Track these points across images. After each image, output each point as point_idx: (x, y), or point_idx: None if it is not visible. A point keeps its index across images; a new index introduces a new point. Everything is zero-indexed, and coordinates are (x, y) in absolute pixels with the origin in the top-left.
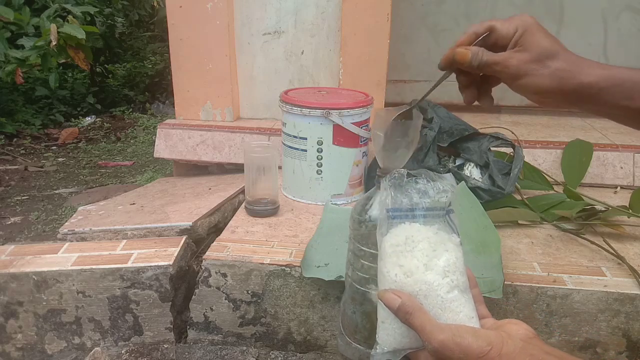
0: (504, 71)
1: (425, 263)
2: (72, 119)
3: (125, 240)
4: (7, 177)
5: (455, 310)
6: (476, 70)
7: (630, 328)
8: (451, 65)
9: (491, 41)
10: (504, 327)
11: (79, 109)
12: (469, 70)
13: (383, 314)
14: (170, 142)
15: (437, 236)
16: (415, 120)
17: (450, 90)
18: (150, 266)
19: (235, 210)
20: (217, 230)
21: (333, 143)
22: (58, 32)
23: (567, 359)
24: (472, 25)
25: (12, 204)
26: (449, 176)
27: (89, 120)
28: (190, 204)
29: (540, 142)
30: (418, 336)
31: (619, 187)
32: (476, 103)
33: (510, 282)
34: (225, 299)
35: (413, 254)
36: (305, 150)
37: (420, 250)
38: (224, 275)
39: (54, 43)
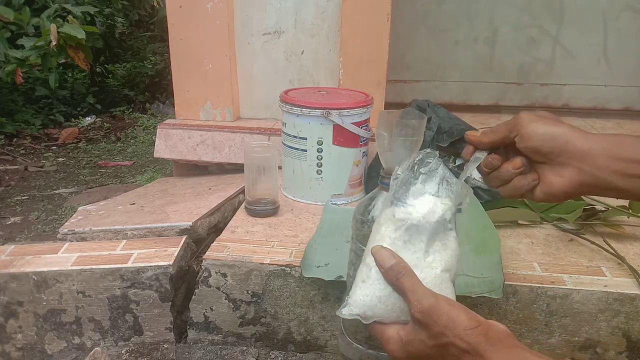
0: (520, 121)
1: (426, 238)
2: (72, 119)
3: (125, 240)
4: (7, 177)
5: (443, 291)
6: (494, 137)
7: (630, 328)
8: (473, 150)
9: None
10: (487, 320)
11: (79, 109)
12: (486, 145)
13: (366, 273)
14: (170, 142)
15: (440, 227)
16: (420, 121)
17: (451, 90)
18: (150, 266)
19: (235, 210)
20: (217, 230)
21: (333, 143)
22: (58, 32)
23: (545, 357)
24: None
25: (12, 204)
26: (468, 180)
27: (89, 120)
28: (190, 204)
29: None
30: (395, 307)
31: None
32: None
33: (510, 282)
34: (225, 299)
35: (414, 228)
36: (305, 150)
37: (422, 232)
38: (224, 275)
39: (54, 43)
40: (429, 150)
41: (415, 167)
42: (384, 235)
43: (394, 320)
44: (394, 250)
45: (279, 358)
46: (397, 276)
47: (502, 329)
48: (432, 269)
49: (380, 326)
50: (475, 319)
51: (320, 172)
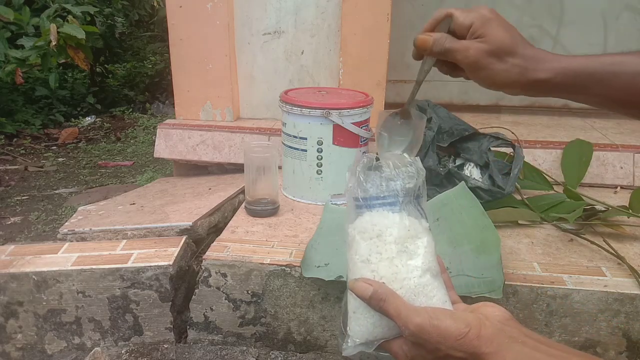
0: (463, 60)
1: (396, 247)
2: (72, 119)
3: (125, 240)
4: (7, 177)
5: (428, 294)
6: (439, 56)
7: (630, 328)
8: (418, 54)
9: (451, 29)
10: (480, 309)
11: (79, 109)
12: (434, 56)
13: (354, 303)
14: (170, 142)
15: (406, 222)
16: (419, 121)
17: (451, 90)
18: (150, 266)
19: (235, 210)
20: (217, 230)
21: (333, 143)
22: (58, 32)
23: (544, 342)
24: (436, 10)
25: (12, 204)
26: (417, 160)
27: (89, 120)
28: (190, 204)
29: (540, 142)
30: (391, 325)
31: (619, 187)
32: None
33: (510, 282)
34: (225, 299)
35: (382, 239)
36: (305, 150)
37: (390, 236)
38: (224, 275)
39: (54, 43)
40: (366, 156)
41: (360, 179)
42: (356, 261)
43: (395, 335)
44: (372, 269)
45: (279, 358)
46: (379, 304)
47: (497, 320)
48: (410, 278)
49: (387, 343)
50: (465, 324)
51: (320, 172)
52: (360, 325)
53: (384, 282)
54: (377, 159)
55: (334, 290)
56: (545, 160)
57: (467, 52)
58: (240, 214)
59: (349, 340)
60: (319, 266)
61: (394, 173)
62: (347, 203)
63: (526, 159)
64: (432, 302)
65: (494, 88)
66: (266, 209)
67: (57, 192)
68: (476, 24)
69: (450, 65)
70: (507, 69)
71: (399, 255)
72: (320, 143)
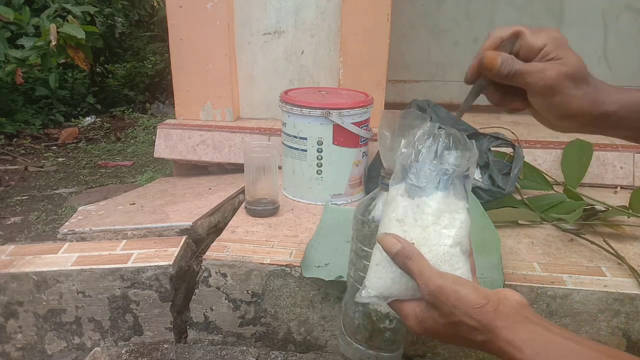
0: (538, 83)
1: (434, 214)
2: (72, 119)
3: (125, 240)
4: (7, 177)
5: (454, 265)
6: (504, 79)
7: (630, 328)
8: (478, 74)
9: (515, 49)
10: (500, 291)
11: (79, 109)
12: (497, 79)
13: (378, 256)
14: (170, 142)
15: (447, 198)
16: (421, 122)
17: (451, 90)
18: (150, 266)
19: (235, 210)
20: (217, 230)
21: (333, 143)
22: (58, 32)
23: (558, 327)
24: (497, 28)
25: (12, 204)
26: (473, 143)
27: (89, 120)
28: (190, 204)
29: (540, 142)
30: (409, 285)
31: (619, 187)
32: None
33: (510, 282)
34: (225, 299)
35: (421, 208)
36: (305, 150)
37: (429, 207)
38: (224, 275)
39: (53, 43)
40: (429, 124)
41: (416, 144)
42: (391, 218)
43: (410, 297)
44: (405, 229)
45: (279, 358)
46: (404, 261)
47: (515, 302)
48: (440, 245)
49: (398, 303)
50: (484, 296)
51: (320, 172)
52: (380, 278)
53: (413, 244)
54: (440, 128)
55: (334, 290)
56: (545, 160)
57: (543, 73)
58: (240, 214)
59: (364, 291)
60: (319, 266)
61: (447, 150)
62: (397, 164)
63: (526, 159)
64: (456, 273)
65: (561, 119)
66: (266, 209)
67: (57, 192)
68: (549, 46)
69: (502, 91)
70: (581, 97)
71: (433, 224)
72: (320, 143)
